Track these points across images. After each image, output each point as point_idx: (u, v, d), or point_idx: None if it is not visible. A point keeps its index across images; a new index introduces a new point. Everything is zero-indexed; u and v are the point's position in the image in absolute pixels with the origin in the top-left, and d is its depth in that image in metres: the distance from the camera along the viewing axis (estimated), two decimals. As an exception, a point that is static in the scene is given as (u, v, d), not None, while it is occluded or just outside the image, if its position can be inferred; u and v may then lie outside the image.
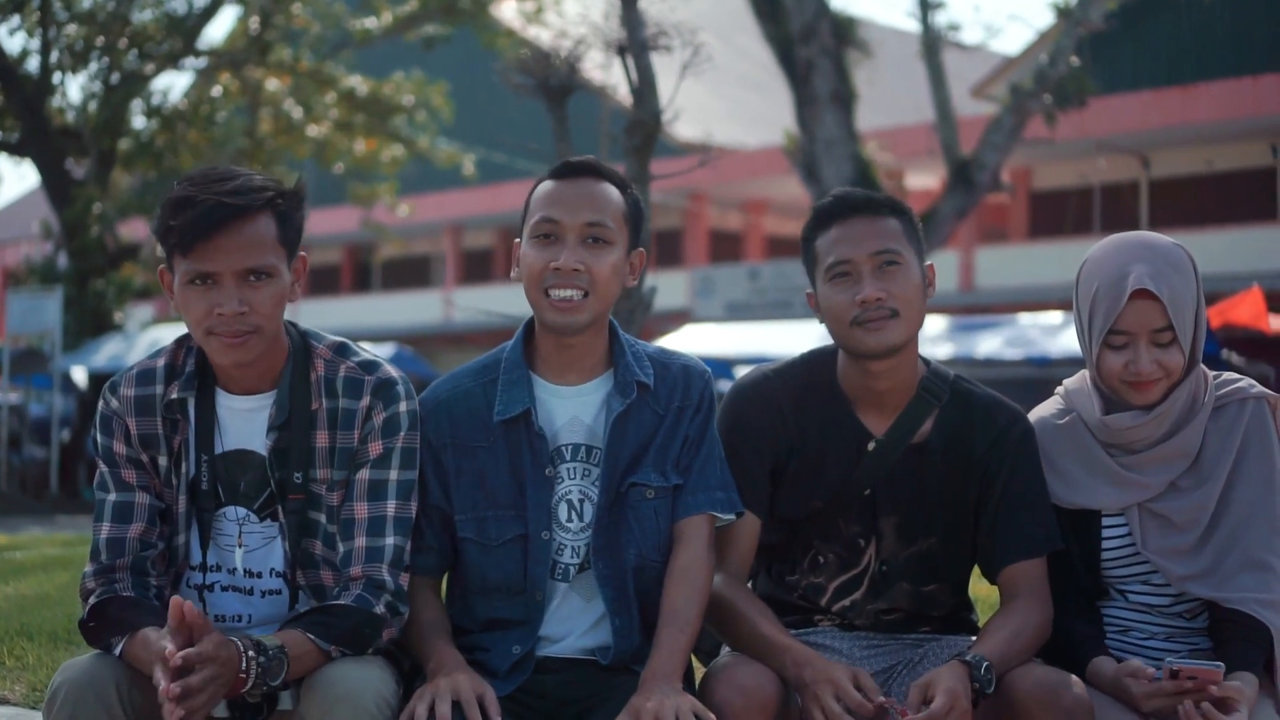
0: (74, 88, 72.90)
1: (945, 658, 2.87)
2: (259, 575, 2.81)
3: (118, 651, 2.57)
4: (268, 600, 2.82)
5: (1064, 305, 17.28)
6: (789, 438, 2.97)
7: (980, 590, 3.25)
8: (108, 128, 19.96)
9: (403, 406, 2.79)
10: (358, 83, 21.47)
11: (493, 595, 2.85)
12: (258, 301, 2.66)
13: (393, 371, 2.82)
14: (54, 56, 19.97)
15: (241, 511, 2.80)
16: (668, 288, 19.77)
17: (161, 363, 2.80)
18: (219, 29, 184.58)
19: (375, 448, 2.77)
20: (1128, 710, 2.72)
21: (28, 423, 20.26)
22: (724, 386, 12.62)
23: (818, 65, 15.62)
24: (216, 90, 21.83)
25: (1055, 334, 15.21)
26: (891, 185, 19.20)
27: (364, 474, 2.77)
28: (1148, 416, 2.86)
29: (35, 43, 20.00)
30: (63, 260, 20.70)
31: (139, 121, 21.26)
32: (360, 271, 38.75)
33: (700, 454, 2.87)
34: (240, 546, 2.80)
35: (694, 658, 2.91)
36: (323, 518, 2.79)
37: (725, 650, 2.94)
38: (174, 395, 2.76)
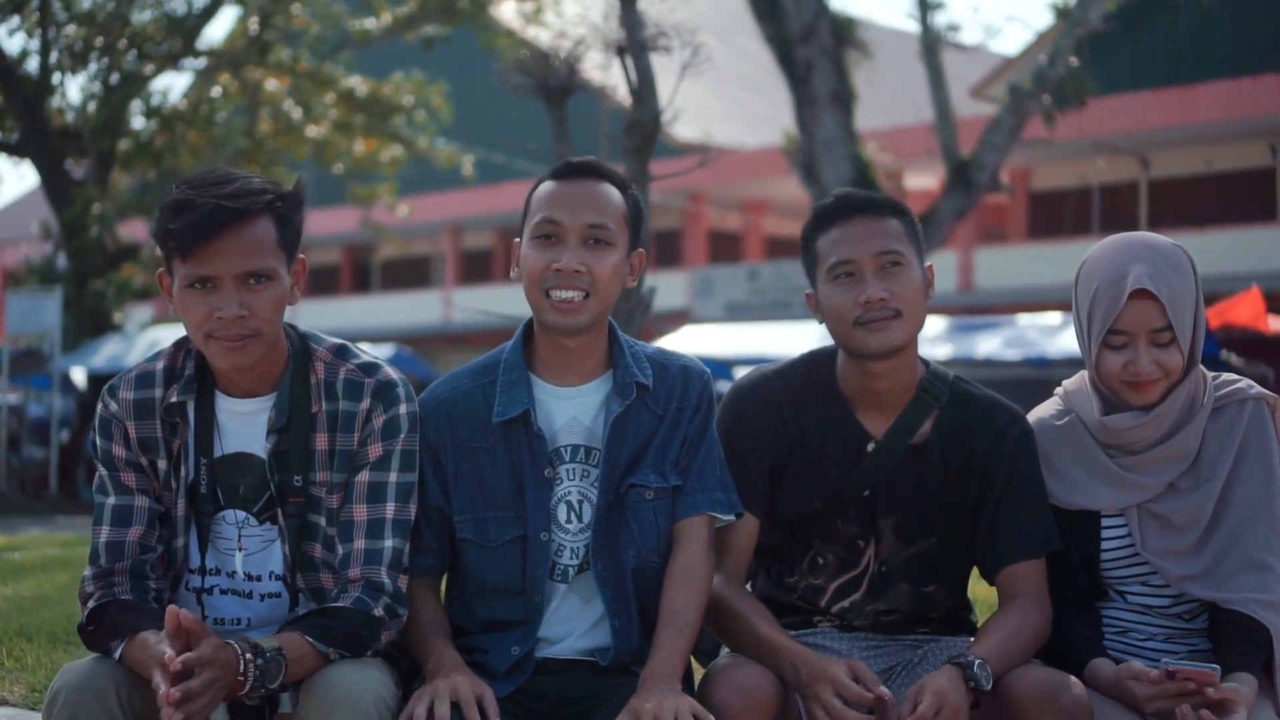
0: (73, 88, 72.94)
1: (944, 659, 2.87)
2: (258, 578, 2.81)
3: (117, 655, 2.57)
4: (267, 603, 2.81)
5: (1063, 306, 17.29)
6: (788, 438, 2.97)
7: (980, 591, 3.25)
8: (107, 128, 19.96)
9: (402, 409, 2.78)
10: (357, 83, 21.48)
11: (492, 596, 2.85)
12: (257, 305, 2.66)
13: (393, 374, 2.81)
14: (53, 57, 19.97)
15: (241, 515, 2.80)
16: (667, 288, 19.77)
17: (160, 365, 2.80)
18: (218, 29, 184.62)
19: (375, 450, 2.77)
20: (1127, 711, 2.72)
21: (27, 423, 20.25)
22: (723, 387, 12.61)
23: (817, 66, 15.62)
24: (216, 91, 21.84)
25: (1054, 335, 15.19)
26: (890, 186, 19.20)
27: (363, 476, 2.76)
28: (1147, 417, 2.86)
29: (35, 43, 20.00)
30: (62, 261, 20.70)
31: (138, 122, 21.26)
32: (359, 272, 38.75)
33: (699, 455, 2.87)
34: (240, 550, 2.80)
35: (693, 659, 2.91)
36: (322, 520, 2.79)
37: (724, 651, 2.94)
38: (173, 398, 2.76)
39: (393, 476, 2.77)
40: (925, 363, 3.02)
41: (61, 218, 20.06)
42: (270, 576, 2.81)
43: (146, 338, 19.60)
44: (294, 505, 2.76)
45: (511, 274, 2.91)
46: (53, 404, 19.19)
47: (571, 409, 2.87)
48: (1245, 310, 11.92)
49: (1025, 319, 16.84)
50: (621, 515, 2.84)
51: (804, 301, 3.05)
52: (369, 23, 21.79)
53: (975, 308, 23.65)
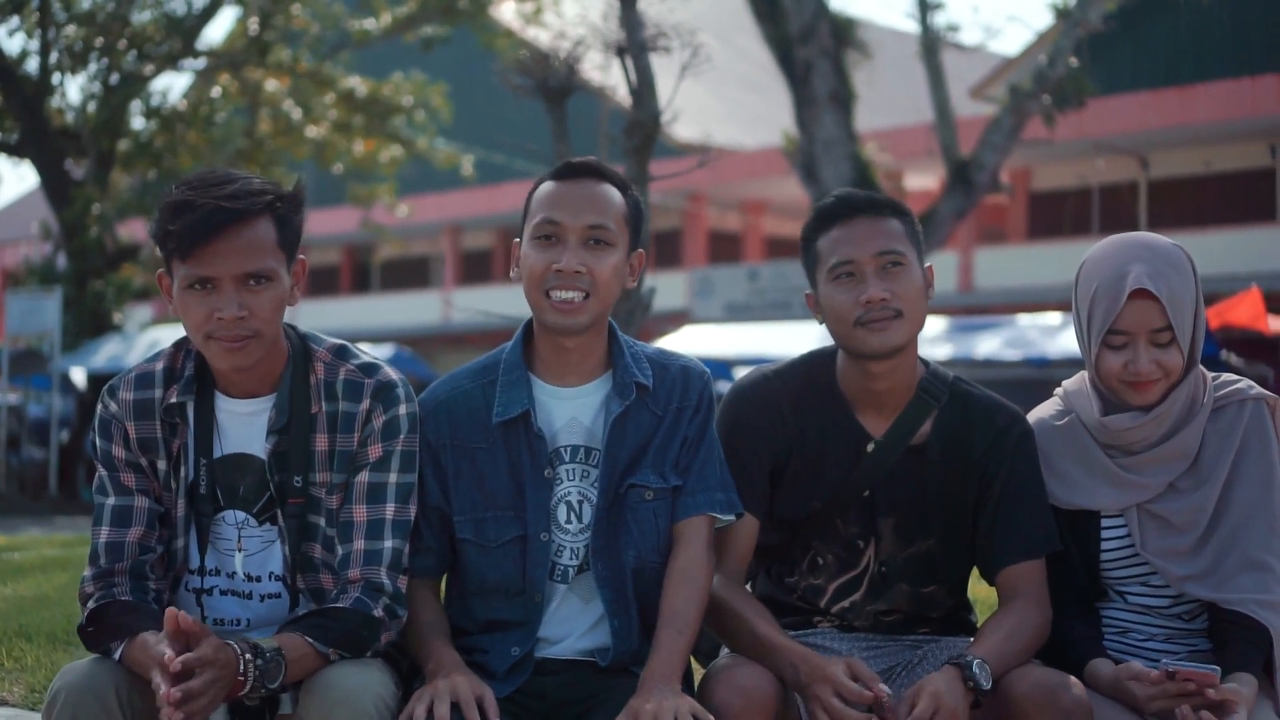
0: (73, 88, 72.96)
1: (944, 659, 2.87)
2: (258, 579, 2.81)
3: (117, 656, 2.57)
4: (267, 604, 2.81)
5: (1063, 306, 17.29)
6: (788, 439, 2.97)
7: (980, 591, 3.25)
8: (107, 128, 19.95)
9: (402, 409, 2.78)
10: (357, 83, 21.48)
11: (491, 596, 2.85)
12: (257, 306, 2.66)
13: (392, 374, 2.81)
14: (53, 57, 19.96)
15: (241, 515, 2.79)
16: (666, 288, 19.79)
17: (160, 366, 2.80)
18: (218, 30, 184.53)
19: (375, 451, 2.76)
20: (1126, 711, 2.72)
21: (26, 424, 20.25)
22: (723, 387, 12.61)
23: (817, 66, 15.62)
24: (216, 91, 21.84)
25: (1054, 335, 15.19)
26: (890, 186, 19.20)
27: (363, 477, 2.76)
28: (1146, 417, 2.86)
29: (34, 43, 20.00)
30: (62, 261, 20.70)
31: (138, 122, 21.26)
32: (359, 272, 38.74)
33: (699, 455, 2.87)
34: (240, 551, 2.80)
35: (693, 659, 2.91)
36: (322, 521, 2.78)
37: (724, 651, 2.94)
38: (173, 399, 2.76)
39: (392, 477, 2.77)
40: (925, 363, 3.02)
41: (61, 218, 20.05)
42: (270, 577, 2.81)
43: (146, 338, 19.60)
44: (294, 506, 2.76)
45: (511, 274, 2.91)
46: (52, 404, 19.19)
47: (571, 409, 2.87)
48: (1245, 310, 11.93)
49: (1025, 319, 16.84)
50: (621, 516, 2.84)
51: (803, 302, 3.05)
52: (369, 23, 21.78)
53: (975, 308, 23.65)
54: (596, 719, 2.69)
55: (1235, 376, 2.97)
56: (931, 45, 16.64)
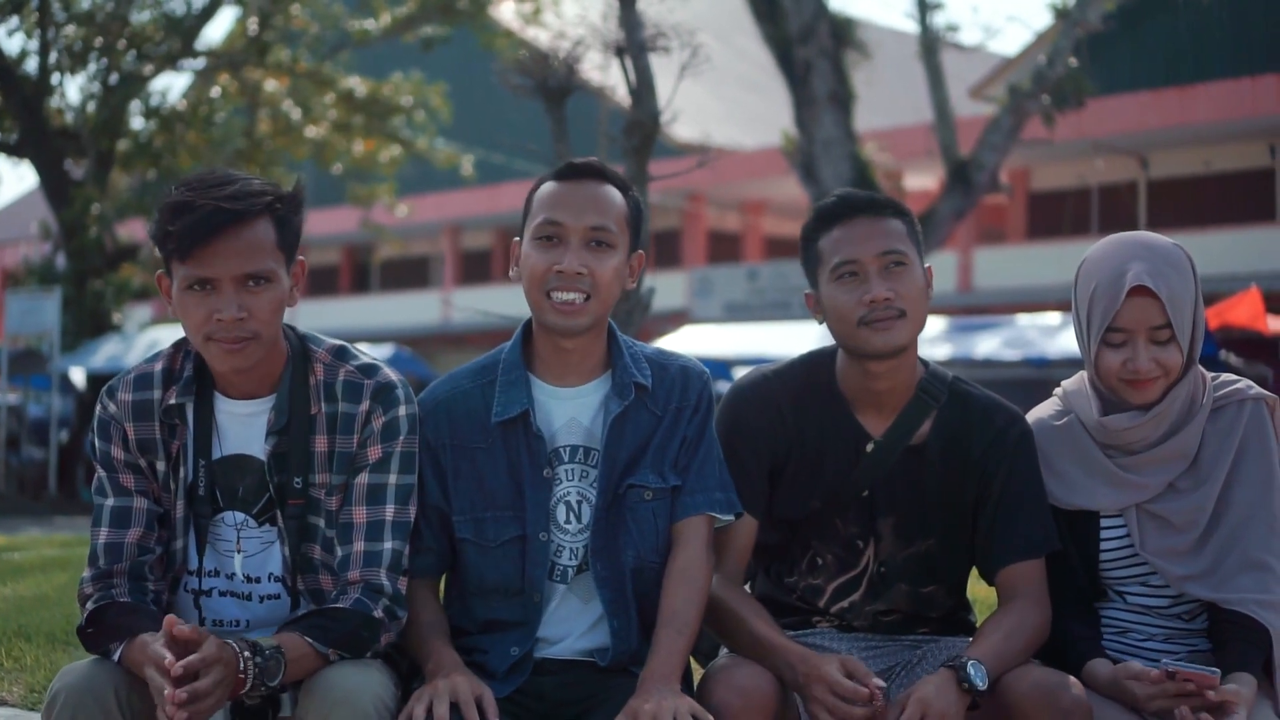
0: (72, 88, 72.89)
1: (943, 659, 2.87)
2: (257, 580, 2.81)
3: (116, 657, 2.57)
4: (266, 605, 2.81)
5: (1062, 306, 17.29)
6: (787, 438, 2.97)
7: (979, 591, 3.25)
8: (106, 128, 19.95)
9: (402, 410, 2.78)
10: (356, 83, 21.47)
11: (491, 596, 2.85)
12: (256, 307, 2.65)
13: (392, 375, 2.81)
14: (53, 57, 19.96)
15: (240, 516, 2.79)
16: (666, 288, 19.78)
17: (159, 367, 2.79)
18: (217, 30, 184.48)
19: (374, 452, 2.76)
20: (1126, 711, 2.72)
21: (26, 424, 20.25)
22: (722, 387, 12.61)
23: (816, 66, 15.62)
24: (215, 91, 21.83)
25: (1053, 335, 15.20)
26: (890, 186, 19.20)
27: (363, 478, 2.76)
28: (1145, 417, 2.86)
29: (34, 43, 19.99)
30: (61, 261, 20.69)
31: (137, 122, 21.25)
32: (359, 272, 38.74)
33: (699, 455, 2.87)
34: (239, 552, 2.80)
35: (692, 659, 2.91)
36: (322, 522, 2.78)
37: (723, 651, 2.94)
38: (172, 400, 2.75)
39: (392, 478, 2.76)
40: (924, 363, 3.02)
41: (61, 218, 20.05)
42: (269, 578, 2.81)
43: (145, 338, 19.60)
44: (294, 507, 2.76)
45: (511, 273, 2.91)
46: (52, 404, 19.18)
47: (570, 409, 2.87)
48: (1244, 310, 11.93)
49: (1024, 319, 16.84)
50: (620, 516, 2.84)
51: (803, 302, 3.05)
52: (368, 23, 21.78)
53: (974, 308, 23.65)
54: (596, 719, 2.69)
55: (1235, 376, 2.97)
56: (931, 45, 16.65)
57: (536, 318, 2.86)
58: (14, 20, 19.60)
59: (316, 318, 30.53)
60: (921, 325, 2.92)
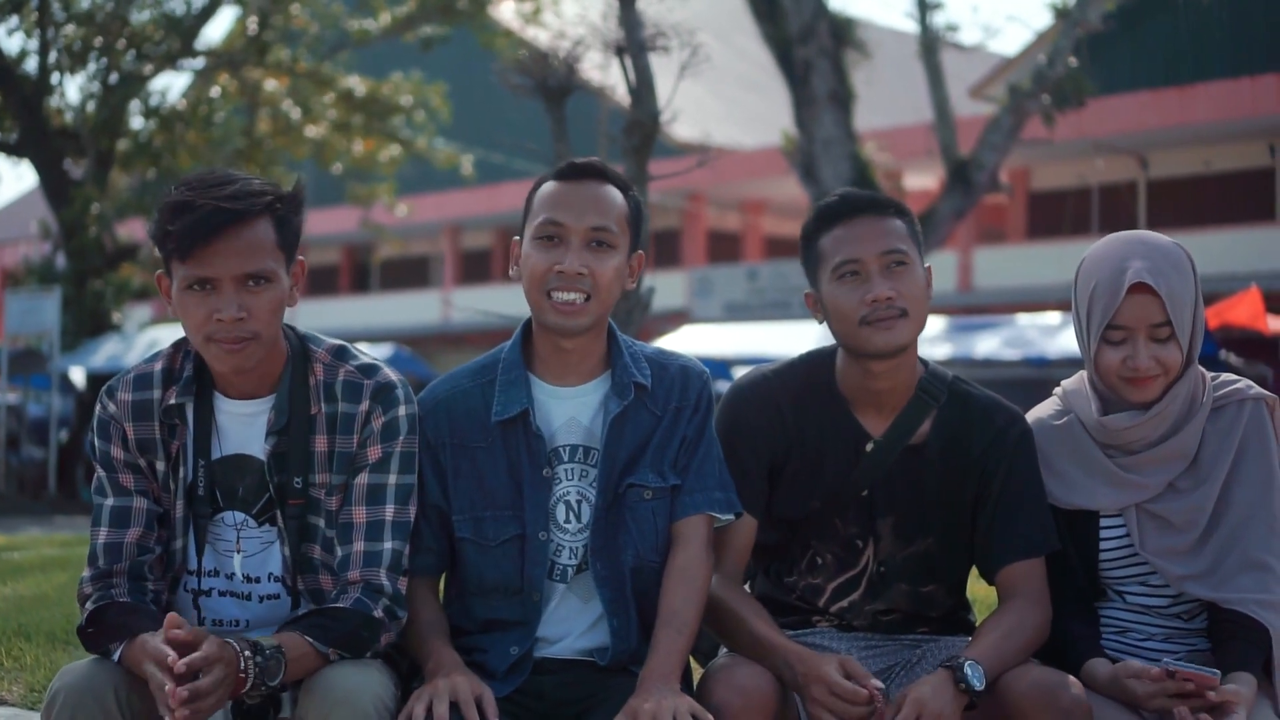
0: (72, 88, 72.91)
1: (943, 658, 2.87)
2: (257, 580, 2.81)
3: (116, 657, 2.57)
4: (265, 605, 2.81)
5: (1062, 306, 17.29)
6: (787, 438, 2.97)
7: (979, 591, 3.25)
8: (106, 128, 19.94)
9: (401, 411, 2.78)
10: (356, 83, 21.46)
11: (490, 595, 2.85)
12: (256, 307, 2.65)
13: (392, 375, 2.81)
14: (52, 57, 19.94)
15: (240, 516, 2.79)
16: (666, 288, 19.79)
17: (159, 367, 2.79)
18: (217, 29, 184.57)
19: (374, 452, 2.76)
20: (1125, 710, 2.72)
21: (26, 423, 20.25)
22: (722, 387, 12.61)
23: (816, 66, 15.62)
24: (215, 91, 21.82)
25: (1053, 335, 15.20)
26: (890, 185, 19.20)
27: (362, 478, 2.76)
28: (1145, 416, 2.86)
29: (33, 43, 19.97)
30: (61, 261, 20.68)
31: (137, 122, 21.24)
32: (358, 272, 38.74)
33: (698, 454, 2.87)
34: (239, 552, 2.80)
35: (692, 658, 2.91)
36: (321, 522, 2.78)
37: (723, 651, 2.94)
38: (172, 400, 2.75)
39: (392, 478, 2.76)
40: (924, 363, 3.02)
41: (60, 217, 20.05)
42: (269, 578, 2.81)
43: (145, 338, 19.60)
44: (294, 507, 2.76)
45: (511, 272, 2.91)
46: (52, 404, 19.19)
47: (570, 409, 2.87)
48: (1244, 310, 11.95)
49: (1024, 319, 16.85)
50: (620, 515, 2.84)
51: (803, 301, 3.05)
52: (368, 23, 21.77)
53: (974, 308, 23.65)
54: (595, 718, 2.69)
55: (1234, 376, 2.97)
56: (931, 45, 16.64)
57: (537, 318, 2.86)
58: (14, 20, 19.59)
59: (316, 318, 30.53)
60: (922, 325, 2.92)
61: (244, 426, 2.77)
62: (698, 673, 2.84)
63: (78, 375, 20.30)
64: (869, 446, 2.96)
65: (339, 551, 2.75)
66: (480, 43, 21.24)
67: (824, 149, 15.52)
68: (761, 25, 16.48)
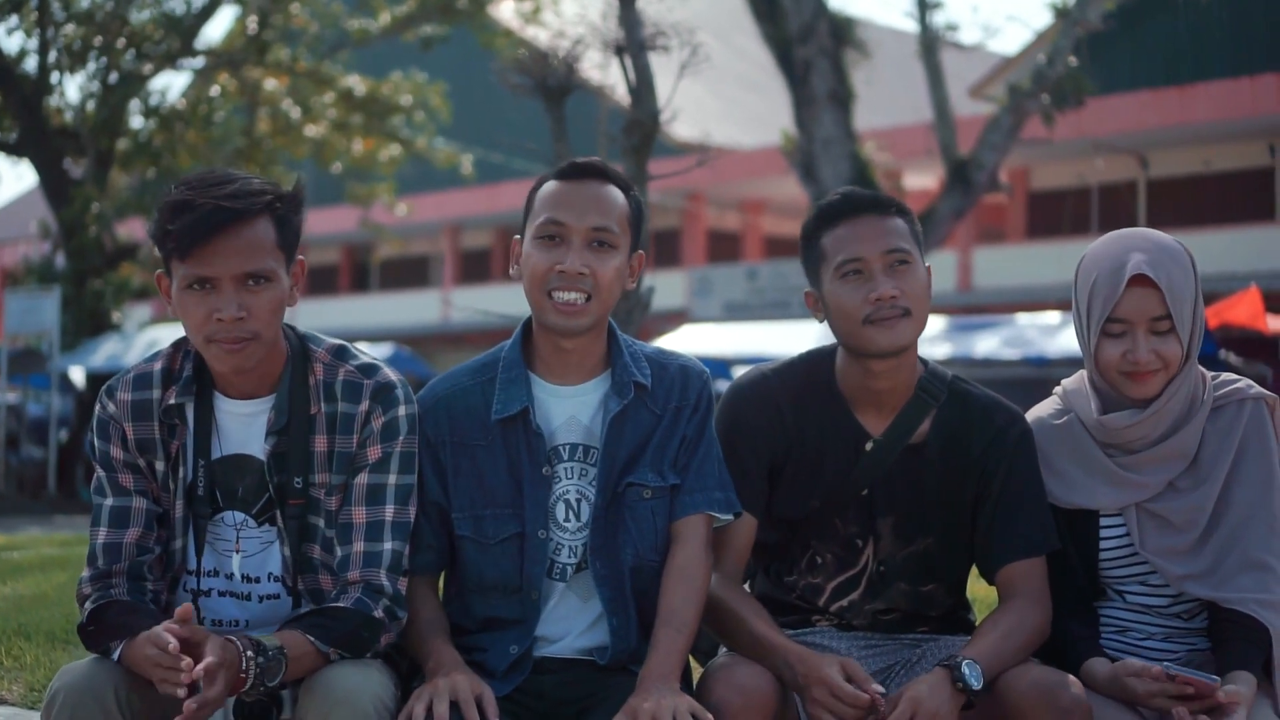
0: (72, 87, 72.82)
1: (943, 657, 2.87)
2: (256, 580, 2.80)
3: (116, 656, 2.56)
4: (265, 605, 2.81)
5: (1062, 305, 17.30)
6: (787, 437, 2.97)
7: (979, 590, 3.25)
8: (106, 127, 19.94)
9: (401, 411, 2.78)
10: (356, 83, 21.46)
11: (489, 594, 2.85)
12: (256, 307, 2.65)
13: (392, 375, 2.81)
14: (52, 56, 19.93)
15: (239, 516, 2.79)
16: (665, 288, 19.78)
17: (158, 367, 2.79)
18: (217, 29, 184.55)
19: (374, 452, 2.76)
20: (1125, 710, 2.72)
21: (25, 423, 20.25)
22: (722, 386, 12.61)
23: (816, 65, 15.62)
24: (214, 90, 21.81)
25: (1053, 334, 15.21)
26: (889, 185, 19.20)
27: (362, 478, 2.76)
28: (1144, 414, 2.86)
29: (33, 42, 19.96)
30: (60, 260, 20.68)
31: (137, 121, 21.23)
32: (358, 271, 38.73)
33: (698, 454, 2.87)
34: (238, 552, 2.80)
35: (691, 658, 2.91)
36: (321, 522, 2.78)
37: (723, 650, 2.94)
38: (172, 400, 2.75)
39: (392, 479, 2.76)
40: (924, 362, 3.02)
41: (60, 217, 20.04)
42: (269, 578, 2.81)
43: (145, 337, 19.59)
44: (294, 507, 2.76)
45: (511, 271, 2.91)
46: (51, 404, 19.18)
47: (570, 408, 2.87)
48: (1244, 310, 11.95)
49: (1024, 318, 16.85)
50: (619, 514, 2.84)
51: (802, 301, 3.05)
52: (368, 22, 21.77)
53: (974, 307, 23.65)
54: (595, 718, 2.69)
55: (1234, 376, 2.97)
56: (930, 44, 16.65)
57: (537, 317, 2.86)
58: (13, 19, 19.59)
59: (316, 317, 30.52)
60: (924, 325, 2.92)
61: (244, 426, 2.77)
62: (697, 672, 2.84)
63: (77, 375, 20.30)
64: (869, 446, 2.96)
65: (339, 552, 2.74)
66: (480, 42, 21.24)
67: (824, 149, 15.52)
68: (761, 25, 16.49)
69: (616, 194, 2.86)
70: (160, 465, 2.77)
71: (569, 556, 2.84)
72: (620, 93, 8.70)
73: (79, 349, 19.77)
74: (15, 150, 20.19)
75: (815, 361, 3.03)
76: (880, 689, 2.65)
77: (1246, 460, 2.87)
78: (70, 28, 20.00)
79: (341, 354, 2.82)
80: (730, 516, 2.88)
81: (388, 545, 2.73)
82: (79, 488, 18.51)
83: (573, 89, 8.07)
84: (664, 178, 8.05)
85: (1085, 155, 23.70)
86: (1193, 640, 2.92)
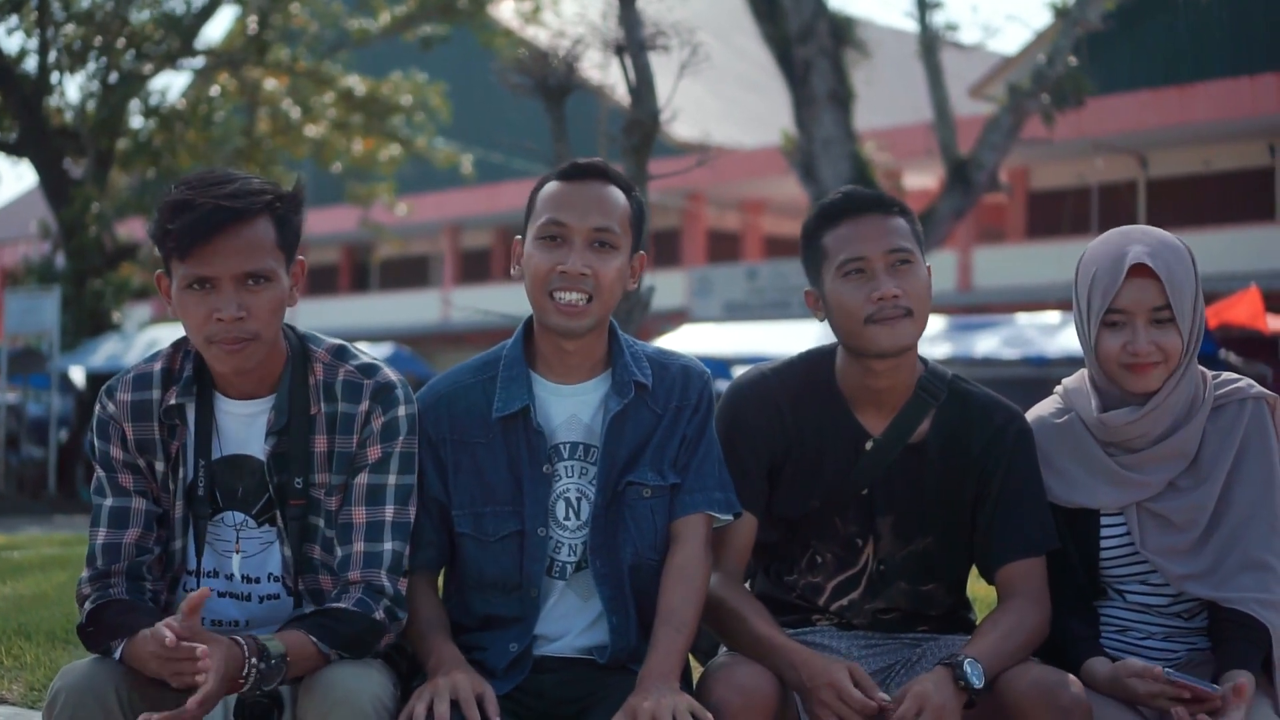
0: (72, 87, 72.80)
1: (943, 657, 2.87)
2: (256, 580, 2.80)
3: (117, 655, 2.56)
4: (265, 605, 2.81)
5: (1062, 305, 17.30)
6: (786, 437, 2.97)
7: (979, 589, 3.25)
8: (106, 127, 19.94)
9: (401, 411, 2.78)
10: (355, 82, 21.46)
11: (489, 591, 2.85)
12: (256, 306, 2.65)
13: (392, 375, 2.81)
14: (52, 56, 19.94)
15: (239, 517, 2.79)
16: (665, 288, 19.77)
17: (158, 367, 2.79)
18: (217, 29, 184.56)
19: (374, 452, 2.76)
20: (1125, 709, 2.72)
21: (25, 423, 20.25)
22: (722, 386, 12.61)
23: (816, 65, 15.62)
24: (214, 90, 21.82)
25: (1053, 334, 15.22)
26: (889, 185, 19.20)
27: (362, 479, 2.76)
28: (1143, 411, 2.86)
29: (33, 42, 19.97)
30: (60, 260, 20.68)
31: (137, 121, 21.24)
32: (358, 271, 38.73)
33: (698, 454, 2.87)
34: (238, 553, 2.80)
35: (691, 657, 2.91)
36: (322, 522, 2.78)
37: (723, 650, 2.94)
38: (172, 400, 2.75)
39: (392, 479, 2.76)
40: (924, 361, 3.02)
41: (60, 217, 20.04)
42: (269, 579, 2.80)
43: (145, 337, 19.60)
44: (294, 508, 2.76)
45: (512, 271, 2.91)
46: (51, 403, 19.18)
47: (571, 406, 2.87)
48: (1244, 309, 11.95)
49: (1024, 318, 16.86)
50: (619, 513, 2.84)
51: (802, 301, 3.05)
52: (368, 22, 21.77)
53: (974, 307, 23.66)
54: (595, 717, 2.69)
55: (1235, 375, 2.97)
56: (930, 44, 16.64)
57: (539, 318, 2.86)
58: (13, 19, 19.59)
59: (316, 317, 30.52)
60: (925, 324, 2.92)
61: (244, 427, 2.77)
62: (697, 672, 2.84)
63: (77, 375, 20.30)
64: (868, 445, 2.96)
65: (339, 552, 2.74)
66: (480, 42, 21.24)
67: (824, 148, 15.52)
68: (761, 25, 16.49)
69: (618, 195, 2.87)
70: (160, 465, 2.76)
71: (569, 555, 2.84)
72: (620, 93, 8.70)
73: (79, 349, 19.77)
74: (15, 150, 20.20)
75: (815, 361, 3.03)
76: (886, 698, 2.65)
77: (1247, 460, 2.87)
78: (70, 28, 20.01)
79: (341, 354, 2.82)
80: (730, 517, 2.88)
81: (388, 546, 2.73)
82: (79, 488, 18.51)
83: (573, 89, 8.07)
84: (664, 178, 8.05)
85: (1085, 155, 23.71)
86: (1193, 640, 2.92)
